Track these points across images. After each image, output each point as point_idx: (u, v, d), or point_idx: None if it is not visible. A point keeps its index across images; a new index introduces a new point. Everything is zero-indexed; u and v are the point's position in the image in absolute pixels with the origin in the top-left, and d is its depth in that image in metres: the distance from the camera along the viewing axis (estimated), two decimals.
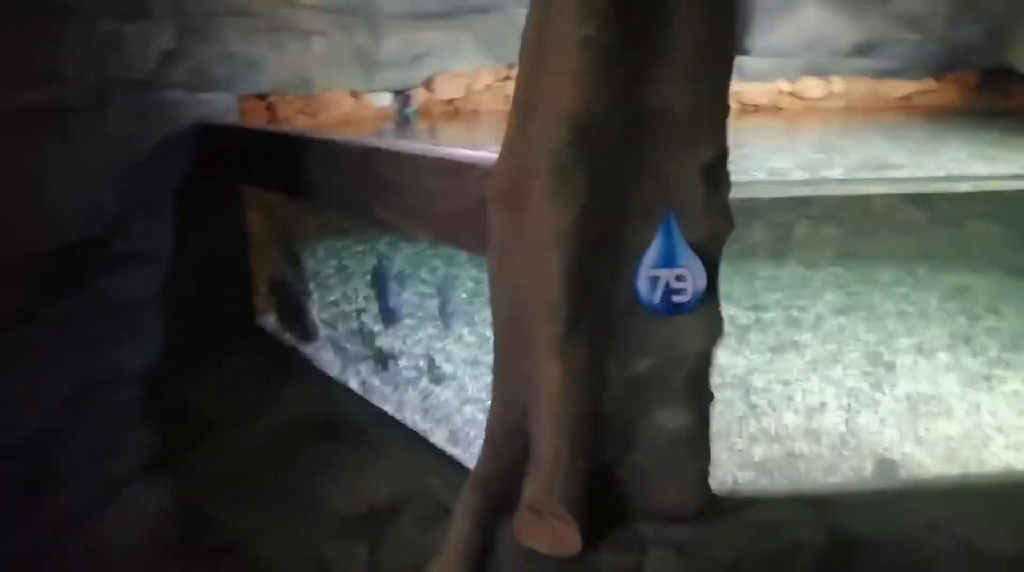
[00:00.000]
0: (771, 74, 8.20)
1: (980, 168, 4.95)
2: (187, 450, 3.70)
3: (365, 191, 3.29)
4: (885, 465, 3.49)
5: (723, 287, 5.88)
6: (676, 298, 2.13)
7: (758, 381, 4.53)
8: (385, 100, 8.15)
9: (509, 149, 2.20)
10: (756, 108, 7.99)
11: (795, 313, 5.45)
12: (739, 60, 8.60)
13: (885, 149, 5.04)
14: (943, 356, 4.85)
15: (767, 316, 5.43)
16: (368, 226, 4.49)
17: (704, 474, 2.34)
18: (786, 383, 4.53)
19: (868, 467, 3.60)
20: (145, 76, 4.22)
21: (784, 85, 8.01)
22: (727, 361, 4.76)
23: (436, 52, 8.83)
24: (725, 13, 2.02)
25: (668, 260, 2.11)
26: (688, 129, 2.04)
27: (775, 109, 7.97)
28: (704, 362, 2.22)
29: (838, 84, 7.98)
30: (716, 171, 2.09)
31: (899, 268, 6.18)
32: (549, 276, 2.10)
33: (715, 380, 4.43)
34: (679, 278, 2.12)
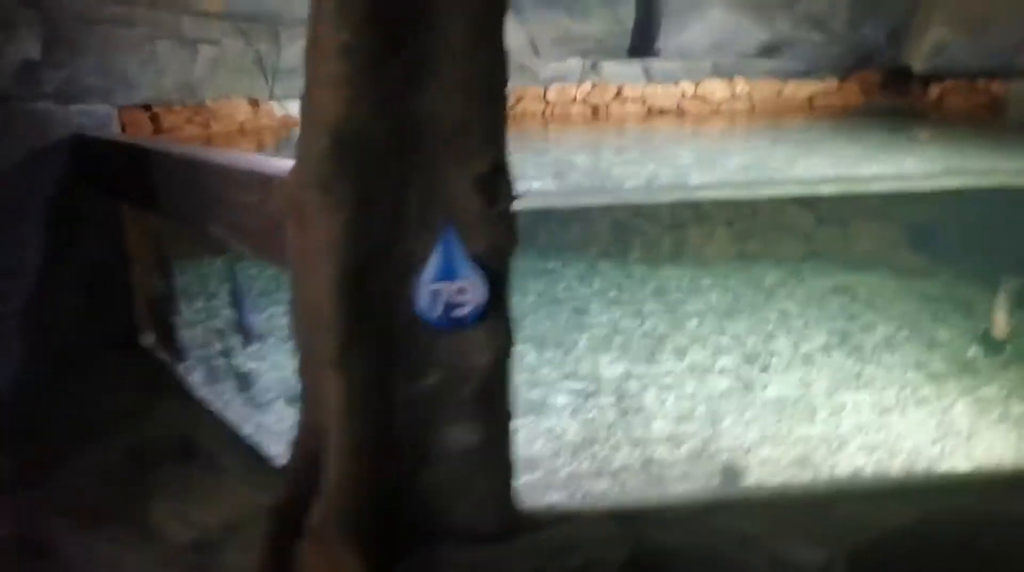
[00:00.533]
0: (678, 76, 8.27)
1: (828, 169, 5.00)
2: (36, 473, 3.55)
3: (198, 205, 3.18)
4: (729, 473, 3.49)
5: (611, 292, 5.88)
6: (457, 312, 2.07)
7: (633, 386, 4.53)
8: (289, 108, 8.00)
9: (296, 160, 2.13)
10: (662, 112, 8.05)
11: (679, 317, 5.49)
12: (646, 62, 8.66)
13: (764, 153, 5.11)
14: (819, 357, 4.92)
15: (651, 321, 5.46)
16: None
17: (503, 492, 2.29)
18: (661, 388, 4.53)
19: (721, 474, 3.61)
20: (3, 89, 4.08)
21: (688, 88, 8.08)
22: (606, 368, 4.77)
23: None
24: (493, 21, 1.98)
25: (447, 273, 2.06)
26: (460, 139, 2.00)
27: (680, 112, 8.04)
28: (493, 377, 2.17)
29: (741, 86, 8.08)
30: (493, 182, 2.05)
31: (785, 269, 6.29)
32: (323, 289, 2.04)
33: (589, 387, 4.50)
34: (460, 292, 2.07)
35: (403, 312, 2.11)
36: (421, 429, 2.20)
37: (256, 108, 7.17)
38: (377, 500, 2.17)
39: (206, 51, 6.47)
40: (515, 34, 10.16)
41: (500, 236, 2.09)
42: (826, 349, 5.00)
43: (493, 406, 2.20)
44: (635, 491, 3.47)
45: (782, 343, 5.08)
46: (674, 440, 3.92)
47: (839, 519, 2.44)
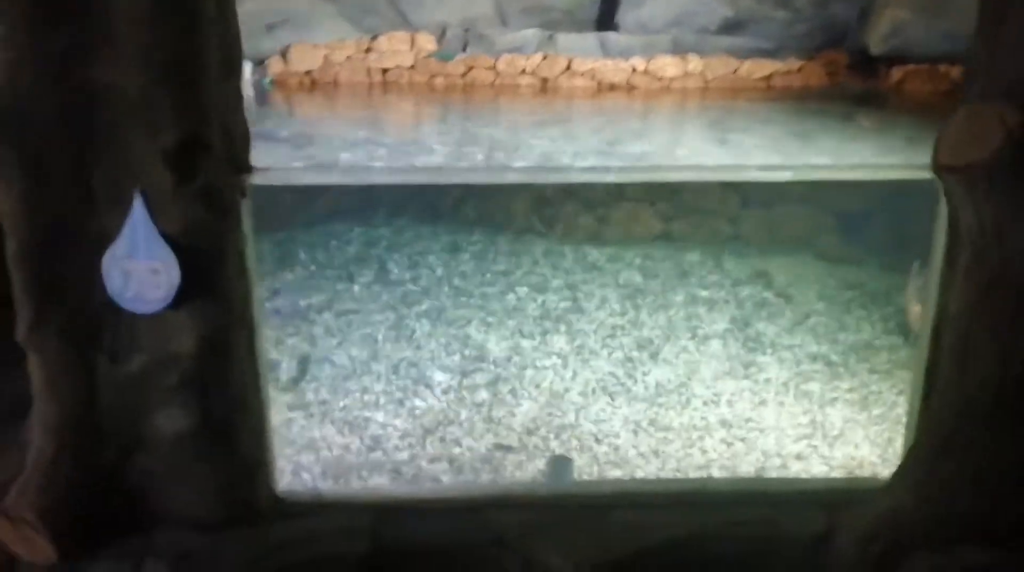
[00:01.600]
0: (635, 51, 8.02)
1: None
2: None
3: None
4: (559, 463, 3.38)
5: (523, 269, 5.72)
6: (149, 294, 1.97)
7: (514, 367, 4.42)
8: None
9: None
10: (612, 87, 7.81)
11: (583, 296, 5.35)
12: (602, 36, 8.40)
13: (678, 136, 4.95)
14: (714, 343, 4.77)
15: (554, 299, 5.33)
16: None
17: (230, 480, 2.21)
18: (541, 369, 4.42)
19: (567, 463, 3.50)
20: None
21: (639, 63, 7.83)
22: (494, 346, 4.66)
23: (293, 21, 8.57)
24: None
25: (137, 252, 1.95)
26: (145, 112, 1.88)
27: (630, 88, 7.80)
28: (204, 363, 2.07)
29: (694, 63, 7.81)
30: (183, 158, 1.92)
31: (707, 251, 6.11)
32: (10, 265, 1.95)
33: (470, 366, 4.39)
34: (153, 272, 1.96)
35: (100, 292, 2.01)
36: (130, 413, 2.11)
37: None
38: (82, 481, 2.09)
39: None
40: (483, 2, 9.93)
41: (199, 214, 1.98)
42: (724, 336, 4.84)
43: (207, 392, 2.11)
44: (456, 479, 3.38)
45: (680, 328, 4.93)
46: (531, 425, 3.81)
47: (608, 526, 2.33)
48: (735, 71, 7.85)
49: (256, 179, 2.21)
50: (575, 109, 6.90)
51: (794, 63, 7.95)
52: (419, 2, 9.07)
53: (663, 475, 3.43)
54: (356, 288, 5.47)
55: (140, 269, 1.97)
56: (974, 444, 2.08)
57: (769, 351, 4.66)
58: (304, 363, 4.42)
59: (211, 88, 1.96)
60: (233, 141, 2.08)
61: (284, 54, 8.26)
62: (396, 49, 8.25)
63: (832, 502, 2.41)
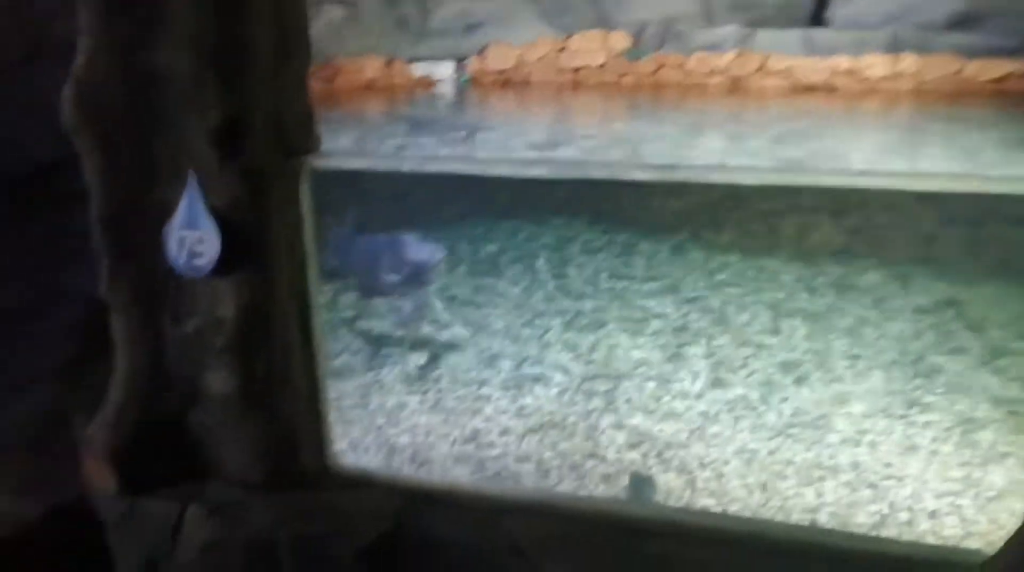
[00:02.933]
0: (844, 49, 7.28)
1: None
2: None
3: None
4: (638, 481, 3.16)
5: (670, 277, 5.55)
6: (196, 261, 2.13)
7: (639, 377, 4.25)
8: (431, 69, 8.32)
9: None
10: (809, 88, 7.15)
11: (732, 310, 4.98)
12: (807, 33, 7.72)
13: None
14: (877, 375, 4.23)
15: (701, 310, 5.02)
16: None
17: (272, 445, 2.32)
18: (666, 382, 4.20)
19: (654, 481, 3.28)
20: None
21: (842, 62, 7.07)
22: (622, 352, 4.52)
23: (492, 21, 8.83)
24: None
25: (191, 222, 2.12)
26: (192, 93, 2.03)
27: (829, 89, 7.08)
28: (243, 330, 2.20)
29: (908, 62, 6.90)
30: (227, 137, 2.05)
31: (891, 272, 5.39)
32: (92, 229, 2.20)
33: (591, 370, 4.27)
34: (200, 241, 2.12)
35: (164, 258, 2.20)
36: (190, 370, 2.30)
37: (389, 67, 7.57)
38: (146, 427, 2.31)
39: (331, 11, 6.95)
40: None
41: (237, 189, 2.10)
42: (890, 367, 4.26)
43: (246, 358, 2.23)
44: (538, 482, 3.29)
45: (838, 354, 4.41)
46: (635, 440, 3.62)
47: (636, 555, 2.14)
48: (958, 72, 6.83)
49: (315, 162, 2.31)
50: (757, 111, 6.42)
51: None
52: (620, 0, 8.99)
53: (762, 513, 3.09)
54: (504, 283, 5.53)
55: (191, 238, 2.13)
56: None
57: (941, 390, 4.02)
58: (437, 351, 4.55)
59: (257, 72, 2.06)
60: (283, 124, 2.17)
61: (482, 53, 8.56)
62: (588, 48, 8.23)
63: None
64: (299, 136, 2.27)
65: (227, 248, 2.12)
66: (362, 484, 2.48)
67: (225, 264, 2.14)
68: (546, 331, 4.79)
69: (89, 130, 2.09)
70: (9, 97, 3.50)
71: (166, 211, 2.16)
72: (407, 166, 3.01)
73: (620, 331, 4.77)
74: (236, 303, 2.18)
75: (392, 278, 5.47)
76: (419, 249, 5.48)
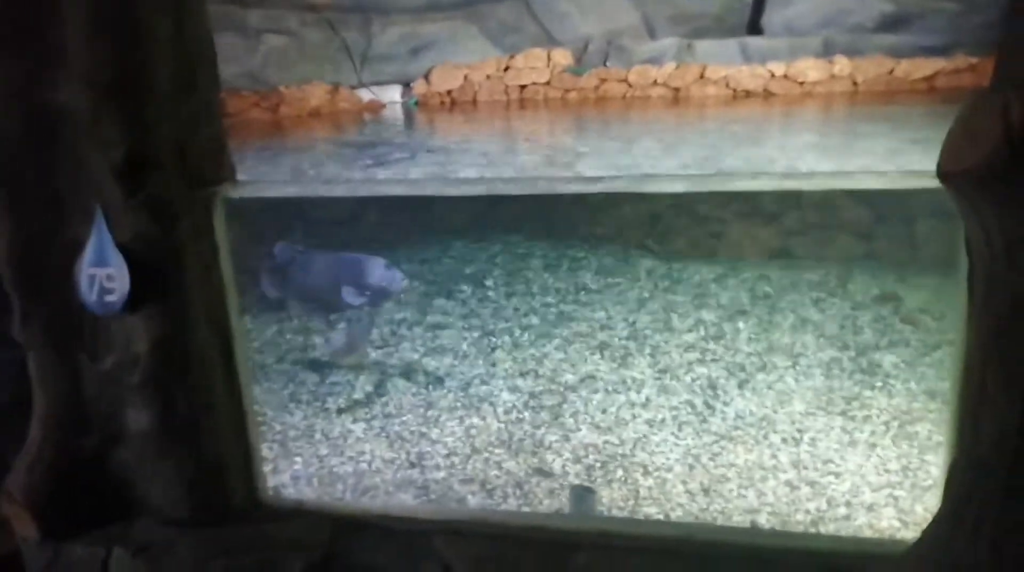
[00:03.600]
0: (780, 55, 7.46)
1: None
2: None
3: None
4: (578, 494, 3.17)
5: (615, 288, 5.56)
6: (107, 298, 2.11)
7: (585, 390, 4.27)
8: (377, 93, 8.34)
9: None
10: (747, 94, 7.31)
11: (675, 318, 5.04)
12: (743, 41, 7.90)
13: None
14: (817, 373, 4.31)
15: (645, 319, 5.06)
16: None
17: (196, 479, 2.30)
18: (612, 393, 4.22)
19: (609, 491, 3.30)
20: None
21: (778, 68, 7.25)
22: (568, 366, 4.54)
23: (437, 43, 8.88)
24: (115, 13, 1.96)
25: (100, 259, 2.10)
26: (93, 129, 2.02)
27: (767, 95, 7.25)
28: (158, 365, 2.18)
29: (841, 65, 7.10)
30: (131, 171, 2.04)
31: (830, 271, 5.51)
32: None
33: (538, 386, 4.28)
34: (110, 278, 2.10)
35: (76, 296, 2.18)
36: (109, 408, 2.27)
37: (335, 93, 7.57)
38: (65, 467, 2.27)
39: (273, 40, 6.94)
40: (627, 12, 9.74)
41: (148, 225, 2.09)
42: (830, 365, 4.34)
43: (165, 393, 2.21)
44: (483, 503, 3.28)
45: (781, 355, 4.49)
46: (581, 453, 3.63)
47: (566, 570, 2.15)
48: (890, 72, 7.03)
49: (227, 192, 2.30)
50: (695, 120, 6.54)
51: (963, 61, 6.97)
52: (562, 17, 9.10)
53: (703, 517, 3.12)
54: (449, 303, 5.53)
55: (101, 275, 2.11)
56: (987, 518, 1.69)
57: (879, 385, 4.11)
58: (383, 376, 4.52)
59: (160, 106, 2.06)
60: (191, 156, 2.16)
61: (427, 76, 8.61)
62: (532, 66, 8.32)
63: (836, 567, 2.07)
64: (209, 167, 2.26)
65: (138, 283, 2.10)
66: (293, 515, 2.46)
67: (137, 299, 2.12)
68: (494, 349, 4.80)
69: None
70: None
71: (76, 249, 2.15)
72: (323, 191, 2.99)
73: (564, 344, 4.80)
74: (150, 338, 2.16)
75: (353, 301, 5.44)
76: (383, 274, 5.44)
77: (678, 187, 4.27)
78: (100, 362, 2.24)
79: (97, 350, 2.24)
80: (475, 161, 4.97)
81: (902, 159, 4.36)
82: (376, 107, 8.15)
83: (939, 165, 1.72)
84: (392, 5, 8.48)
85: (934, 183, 1.79)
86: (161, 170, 2.09)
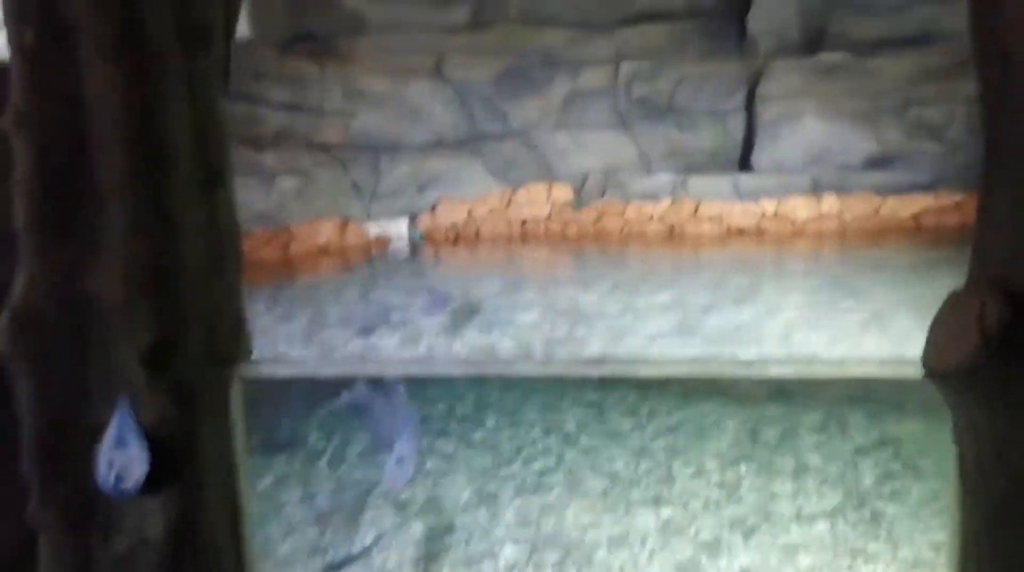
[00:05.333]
0: (770, 192, 7.79)
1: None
2: None
3: None
4: None
5: (621, 430, 5.60)
6: (124, 482, 2.16)
7: (588, 546, 4.23)
8: (386, 228, 8.64)
9: None
10: (741, 232, 7.58)
11: (679, 464, 5.05)
12: (735, 178, 8.26)
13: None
14: (821, 524, 4.28)
15: (649, 465, 5.07)
16: None
17: None
18: (614, 549, 4.18)
19: None
20: None
21: (769, 206, 7.55)
22: (571, 517, 4.51)
23: (442, 179, 9.27)
24: (150, 218, 2.12)
25: (120, 443, 2.16)
26: (124, 317, 2.13)
27: (759, 233, 7.52)
28: (173, 550, 2.20)
29: (830, 203, 7.40)
30: (157, 357, 2.14)
31: (830, 413, 5.55)
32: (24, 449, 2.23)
33: (540, 540, 4.23)
34: (129, 461, 2.16)
35: (94, 478, 2.23)
36: None
37: (344, 229, 7.85)
38: None
39: (285, 182, 7.27)
40: (624, 148, 10.21)
41: (169, 407, 2.17)
42: (834, 515, 4.32)
43: None
44: None
45: (784, 504, 4.47)
46: None
47: None
48: (877, 210, 7.31)
49: (246, 371, 2.40)
50: (691, 264, 6.76)
51: (948, 199, 7.26)
52: (562, 152, 9.56)
53: None
54: (454, 448, 5.51)
55: (120, 459, 2.17)
56: None
57: (883, 536, 4.08)
58: (382, 530, 4.45)
59: (188, 293, 2.18)
60: (214, 336, 2.28)
61: (432, 210, 8.94)
62: (534, 200, 8.66)
63: None
64: (230, 346, 2.37)
65: (155, 467, 2.16)
66: None
67: (153, 483, 2.17)
68: (495, 498, 4.76)
69: (24, 357, 2.16)
70: None
71: (97, 432, 2.22)
72: (337, 370, 3.10)
73: (570, 494, 4.78)
74: (164, 522, 2.20)
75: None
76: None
77: (678, 371, 4.43)
78: (113, 545, 2.26)
79: (110, 533, 2.27)
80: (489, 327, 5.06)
81: (888, 324, 4.49)
82: (383, 242, 8.41)
83: (923, 360, 1.81)
84: (400, 142, 8.91)
85: (920, 373, 1.88)
86: (187, 352, 2.20)
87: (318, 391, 4.63)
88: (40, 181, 2.14)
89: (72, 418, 2.22)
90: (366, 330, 5.06)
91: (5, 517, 3.47)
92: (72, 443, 2.23)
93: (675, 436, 5.42)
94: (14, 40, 2.16)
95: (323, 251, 7.48)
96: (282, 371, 2.58)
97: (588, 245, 7.79)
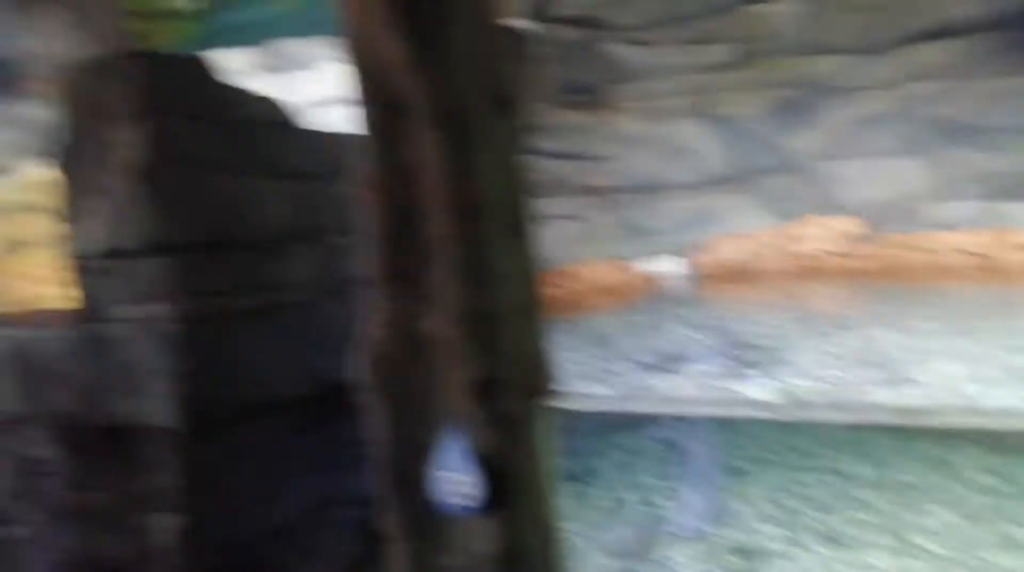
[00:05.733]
0: None
1: None
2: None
3: None
4: None
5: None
6: (461, 501, 2.40)
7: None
8: (657, 267, 8.68)
9: None
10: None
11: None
12: None
13: None
14: None
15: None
16: None
17: None
18: None
19: None
20: None
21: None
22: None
23: (717, 214, 9.11)
24: (470, 266, 2.38)
25: (452, 465, 2.42)
26: (453, 355, 2.40)
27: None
28: (505, 567, 2.39)
29: None
30: (487, 389, 2.37)
31: None
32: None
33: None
34: (462, 483, 2.40)
35: (430, 496, 2.51)
36: None
37: (618, 269, 8.05)
38: None
39: (564, 226, 7.62)
40: (916, 174, 9.29)
41: (494, 437, 2.37)
42: None
43: None
44: None
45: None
46: None
47: None
48: None
49: (557, 402, 2.57)
50: (1012, 294, 5.89)
51: None
52: (845, 182, 8.97)
53: None
54: (758, 491, 5.21)
55: (453, 479, 2.42)
56: None
57: None
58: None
59: (506, 333, 2.40)
60: (528, 371, 2.47)
61: (708, 246, 8.83)
62: (815, 234, 8.19)
63: None
64: (539, 379, 2.55)
65: (487, 490, 2.37)
66: None
67: (484, 505, 2.39)
68: (801, 546, 4.47)
69: (380, 389, 2.51)
70: (307, 329, 4.20)
71: (433, 454, 2.50)
72: (636, 407, 3.17)
73: (887, 549, 4.34)
74: (493, 541, 2.40)
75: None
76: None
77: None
78: (450, 559, 2.51)
79: (443, 547, 2.52)
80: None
81: None
82: (657, 280, 8.47)
83: None
84: (669, 182, 8.96)
85: None
86: (506, 386, 2.40)
87: (609, 425, 4.73)
88: (386, 238, 2.50)
89: (413, 442, 2.53)
90: (651, 366, 5.11)
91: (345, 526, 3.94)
92: (413, 463, 2.53)
93: (998, 494, 4.71)
94: (363, 116, 2.54)
95: (600, 290, 7.72)
96: (587, 405, 2.70)
97: (880, 279, 7.16)
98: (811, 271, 8.04)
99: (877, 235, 8.08)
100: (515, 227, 2.60)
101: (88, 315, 3.23)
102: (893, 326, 5.67)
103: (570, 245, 7.83)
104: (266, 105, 3.87)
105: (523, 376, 2.47)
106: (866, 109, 9.84)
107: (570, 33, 10.42)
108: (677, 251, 8.90)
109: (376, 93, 2.52)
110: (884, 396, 4.30)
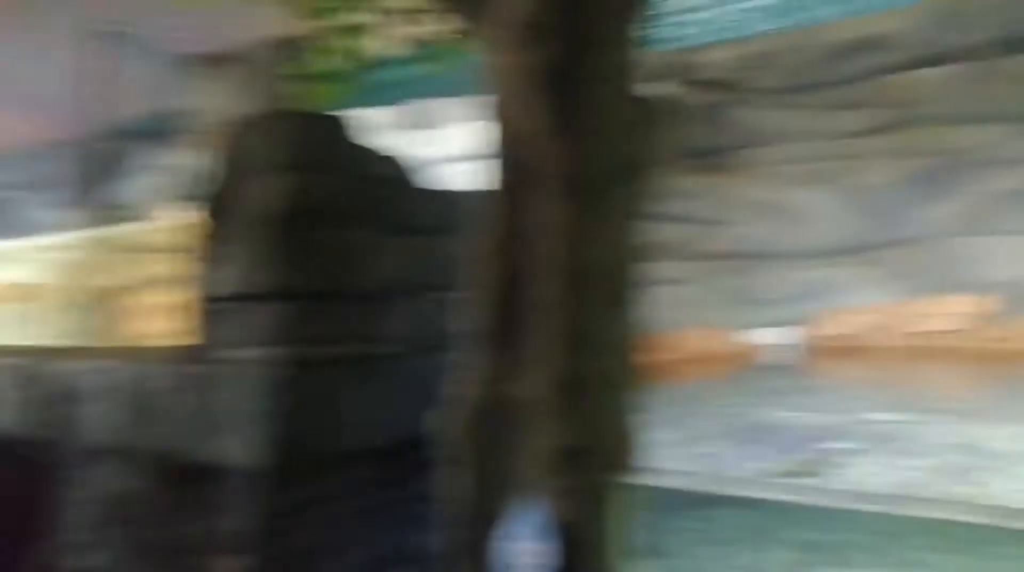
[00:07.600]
0: None
1: None
2: None
3: None
4: None
5: None
6: (533, 571, 2.44)
7: None
8: (761, 336, 8.43)
9: None
10: None
11: None
12: None
13: None
14: None
15: None
16: None
17: None
18: None
19: None
20: None
21: None
22: None
23: (830, 287, 8.78)
24: (567, 335, 2.45)
25: (531, 534, 2.46)
26: (539, 418, 2.46)
27: None
28: None
29: None
30: (572, 458, 2.42)
31: None
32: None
33: None
34: (539, 552, 2.43)
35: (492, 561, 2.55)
36: None
37: (721, 336, 7.87)
38: None
39: (675, 291, 7.53)
40: None
41: (579, 507, 2.41)
42: None
43: None
44: None
45: None
46: None
47: None
48: None
49: (640, 479, 2.58)
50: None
51: None
52: (975, 260, 8.48)
53: None
54: None
55: (528, 549, 2.46)
56: None
57: None
58: None
59: (598, 402, 2.45)
60: (614, 443, 2.51)
61: (817, 319, 8.52)
62: (932, 313, 7.78)
63: None
64: (625, 453, 2.57)
65: (561, 560, 2.41)
66: None
67: None
68: None
69: (466, 447, 2.61)
70: (395, 382, 4.22)
71: (507, 520, 2.55)
72: (719, 489, 3.09)
73: None
74: None
75: None
76: None
77: None
78: None
79: None
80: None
81: None
82: (766, 350, 8.25)
83: None
84: (787, 250, 8.78)
85: None
86: (591, 456, 2.45)
87: (696, 502, 4.59)
88: (496, 297, 2.60)
89: (489, 504, 2.58)
90: (742, 443, 4.97)
91: None
92: (484, 526, 2.57)
93: None
94: (494, 176, 2.65)
95: (700, 358, 7.59)
96: (671, 482, 2.68)
97: (1007, 366, 6.68)
98: (929, 351, 7.61)
99: (1008, 317, 7.58)
100: (619, 296, 2.62)
101: (201, 355, 3.38)
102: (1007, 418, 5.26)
103: (678, 310, 7.76)
104: (391, 162, 4.04)
105: (608, 448, 2.50)
106: (1010, 183, 9.30)
107: (710, 96, 10.41)
108: (788, 322, 8.66)
109: (512, 155, 2.63)
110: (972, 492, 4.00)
